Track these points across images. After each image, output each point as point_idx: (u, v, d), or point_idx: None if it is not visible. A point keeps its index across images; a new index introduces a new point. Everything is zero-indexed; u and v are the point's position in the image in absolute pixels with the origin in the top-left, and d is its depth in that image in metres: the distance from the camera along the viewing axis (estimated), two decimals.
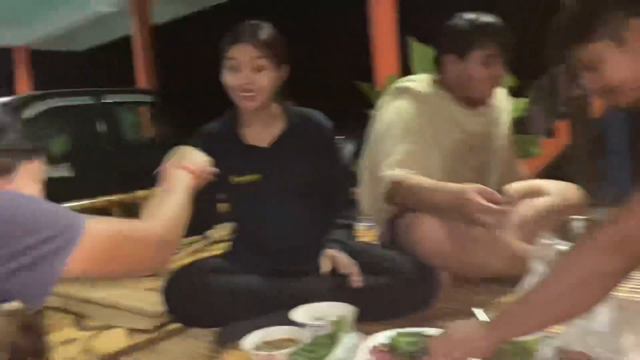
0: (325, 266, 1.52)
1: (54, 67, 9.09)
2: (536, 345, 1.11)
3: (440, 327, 1.23)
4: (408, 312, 1.52)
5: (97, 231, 0.85)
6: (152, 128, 5.41)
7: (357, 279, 1.49)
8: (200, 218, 1.39)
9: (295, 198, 1.64)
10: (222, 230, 2.76)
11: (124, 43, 7.55)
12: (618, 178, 3.48)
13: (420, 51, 3.59)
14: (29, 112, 4.24)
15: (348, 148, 4.50)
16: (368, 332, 1.29)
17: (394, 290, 1.53)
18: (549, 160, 4.06)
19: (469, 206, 1.40)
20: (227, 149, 1.63)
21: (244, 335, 1.34)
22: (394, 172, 1.62)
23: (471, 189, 1.42)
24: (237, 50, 1.54)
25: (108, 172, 4.40)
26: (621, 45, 0.98)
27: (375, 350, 1.19)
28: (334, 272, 1.55)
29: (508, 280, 1.44)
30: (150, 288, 2.20)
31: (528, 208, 1.63)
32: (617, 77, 1.00)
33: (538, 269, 1.19)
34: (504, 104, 1.92)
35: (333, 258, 1.53)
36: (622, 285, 0.94)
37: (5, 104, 4.41)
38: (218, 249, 2.64)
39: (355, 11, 4.88)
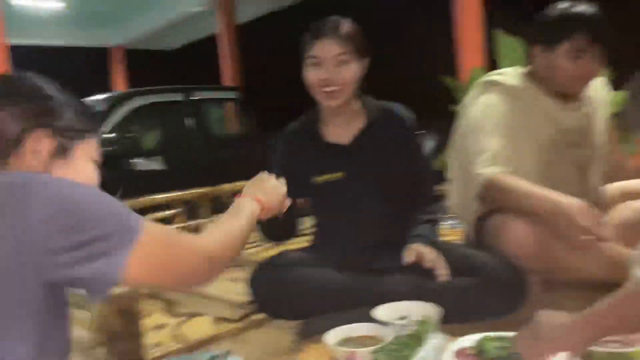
0: (409, 257, 1.49)
1: (146, 65, 9.59)
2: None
3: None
4: (494, 315, 1.46)
5: (154, 233, 0.84)
6: (236, 124, 5.57)
7: (443, 273, 1.45)
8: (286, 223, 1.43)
9: (378, 195, 1.62)
10: (302, 224, 2.79)
11: (211, 41, 7.84)
12: None
13: (508, 43, 3.45)
14: (125, 108, 4.50)
15: (429, 144, 4.41)
16: (451, 334, 1.25)
17: (480, 292, 1.47)
18: None
19: (567, 222, 1.35)
20: (309, 149, 1.65)
21: (326, 329, 1.35)
22: (489, 169, 1.56)
23: (572, 206, 1.35)
24: (320, 46, 1.54)
25: (196, 165, 4.58)
26: None
27: (461, 353, 1.16)
28: (417, 269, 1.53)
29: (604, 285, 1.35)
30: (236, 278, 2.27)
31: (628, 210, 1.52)
32: None
33: (638, 275, 1.11)
34: (601, 96, 1.79)
35: (418, 251, 1.50)
36: None
37: (103, 100, 4.72)
38: (299, 242, 2.68)
39: (439, 2, 4.77)
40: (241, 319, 1.81)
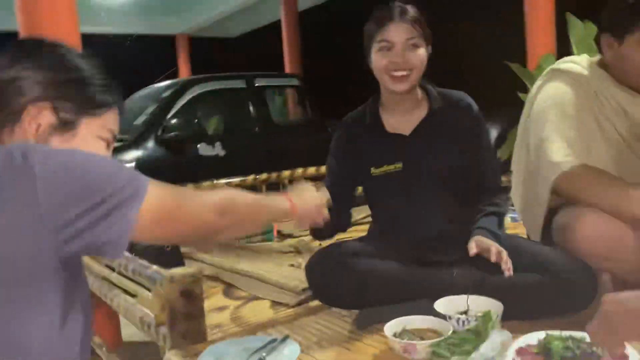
0: (472, 249, 1.44)
1: (209, 52, 9.79)
2: None
3: None
4: (558, 314, 1.40)
5: (161, 187, 0.83)
6: (297, 111, 5.60)
7: (507, 267, 1.40)
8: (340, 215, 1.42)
9: (439, 187, 1.58)
10: (360, 213, 2.79)
11: (272, 29, 7.90)
12: None
13: (581, 29, 3.28)
14: (188, 95, 4.61)
15: (493, 133, 4.27)
16: (511, 331, 1.21)
17: (545, 289, 1.41)
18: None
19: None
20: (368, 138, 1.63)
21: (384, 320, 1.34)
22: (567, 160, 1.49)
23: None
24: (390, 30, 1.52)
25: (256, 151, 4.64)
26: None
27: (524, 351, 1.11)
28: (478, 263, 1.49)
29: None
30: (294, 264, 2.30)
31: None
32: None
33: None
34: None
35: (481, 244, 1.45)
36: None
37: (168, 86, 4.86)
38: (355, 232, 2.67)
39: None
40: (298, 305, 1.83)
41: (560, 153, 1.50)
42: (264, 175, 3.32)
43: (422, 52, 1.54)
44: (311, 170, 3.38)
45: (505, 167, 1.84)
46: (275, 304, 1.90)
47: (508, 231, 1.69)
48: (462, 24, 6.51)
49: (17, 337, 0.72)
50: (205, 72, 5.27)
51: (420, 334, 1.28)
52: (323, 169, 2.91)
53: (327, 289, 1.56)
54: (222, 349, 1.37)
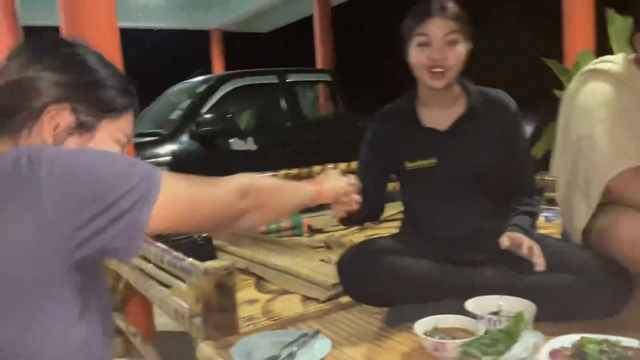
0: (504, 243, 1.43)
1: (242, 47, 9.87)
2: None
3: (629, 336, 1.10)
4: (591, 317, 1.38)
5: (174, 179, 0.81)
6: (328, 106, 5.61)
7: (540, 262, 1.38)
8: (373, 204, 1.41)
9: (473, 185, 1.57)
10: (391, 209, 2.78)
11: (304, 24, 7.91)
12: None
13: (621, 25, 3.20)
14: (222, 90, 4.67)
15: (527, 130, 4.20)
16: (544, 333, 1.19)
17: (579, 291, 1.39)
18: None
19: None
20: (404, 132, 1.61)
21: (414, 318, 1.34)
22: (619, 161, 1.45)
23: None
24: (429, 25, 1.49)
25: (288, 147, 4.67)
26: None
27: (557, 353, 1.10)
28: (511, 262, 1.47)
29: None
30: (324, 259, 2.31)
31: None
32: None
33: None
34: None
35: (514, 238, 1.43)
36: None
37: (201, 82, 4.92)
38: (386, 228, 2.67)
39: None
40: (328, 300, 1.84)
41: (612, 154, 1.46)
42: (295, 171, 3.34)
43: (461, 49, 1.51)
44: (342, 166, 3.38)
45: (540, 165, 1.80)
46: (305, 298, 1.91)
47: (541, 231, 1.67)
48: (497, 19, 6.40)
49: (36, 341, 0.72)
50: (237, 68, 5.32)
51: (451, 333, 1.28)
52: (354, 164, 2.91)
53: (358, 285, 1.57)
54: (254, 341, 1.40)
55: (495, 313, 1.35)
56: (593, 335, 1.14)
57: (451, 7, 1.51)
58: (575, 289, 1.40)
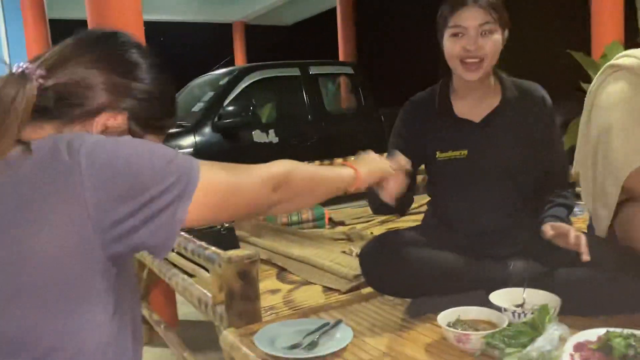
0: (548, 232, 1.39)
1: (264, 40, 9.90)
2: None
3: None
4: (616, 311, 1.36)
5: (212, 171, 0.81)
6: (350, 99, 5.59)
7: (586, 252, 1.34)
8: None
9: (504, 178, 1.54)
10: (415, 202, 2.76)
11: (326, 16, 7.89)
12: None
13: None
14: (244, 82, 4.70)
15: None
16: (569, 326, 1.18)
17: (605, 285, 1.37)
18: None
19: None
20: (435, 121, 1.58)
21: (437, 310, 1.34)
22: (633, 158, 1.43)
23: None
24: (464, 15, 1.45)
25: (310, 139, 4.68)
26: None
27: (582, 346, 1.09)
28: (536, 256, 1.46)
29: None
30: (346, 251, 2.32)
31: None
32: None
33: None
34: None
35: (558, 228, 1.39)
36: None
37: (224, 74, 4.95)
38: (407, 222, 2.66)
39: None
40: (350, 291, 1.85)
41: (627, 152, 1.44)
42: (316, 163, 3.35)
43: (497, 39, 1.47)
44: None
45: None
46: (327, 289, 1.92)
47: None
48: (523, 10, 6.30)
49: (73, 334, 0.73)
50: (260, 60, 5.33)
51: (474, 325, 1.27)
52: None
53: (381, 277, 1.56)
54: (277, 329, 1.41)
55: (520, 306, 1.33)
56: (619, 329, 1.12)
57: None
58: (601, 283, 1.38)
